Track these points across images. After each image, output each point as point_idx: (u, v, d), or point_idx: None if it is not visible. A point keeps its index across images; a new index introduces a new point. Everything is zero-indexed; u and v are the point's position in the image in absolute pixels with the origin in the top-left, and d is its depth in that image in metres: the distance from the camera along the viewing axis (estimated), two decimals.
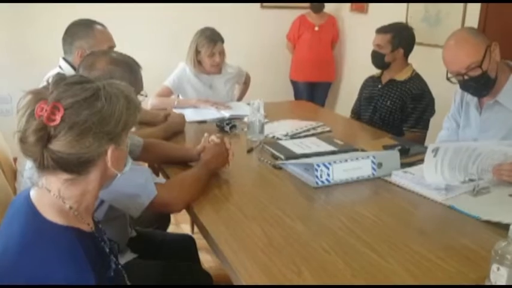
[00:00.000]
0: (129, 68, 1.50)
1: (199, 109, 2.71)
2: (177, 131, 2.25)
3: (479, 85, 1.85)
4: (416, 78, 2.66)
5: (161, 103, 2.75)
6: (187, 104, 2.76)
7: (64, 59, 2.09)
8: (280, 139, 2.19)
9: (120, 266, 1.07)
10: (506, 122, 1.87)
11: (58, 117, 0.87)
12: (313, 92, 4.66)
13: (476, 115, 1.99)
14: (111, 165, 0.97)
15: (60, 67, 2.07)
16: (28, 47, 3.91)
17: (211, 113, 2.63)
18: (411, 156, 1.88)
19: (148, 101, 2.76)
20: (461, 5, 3.36)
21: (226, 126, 2.30)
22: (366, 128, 2.57)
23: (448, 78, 1.93)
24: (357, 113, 2.94)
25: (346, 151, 1.97)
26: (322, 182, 1.63)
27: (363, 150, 1.99)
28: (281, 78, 4.81)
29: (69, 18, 2.17)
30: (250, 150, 2.03)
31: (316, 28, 4.52)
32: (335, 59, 4.78)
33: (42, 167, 0.90)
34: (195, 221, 1.46)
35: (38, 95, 0.89)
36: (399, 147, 1.95)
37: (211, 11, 4.31)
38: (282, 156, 1.91)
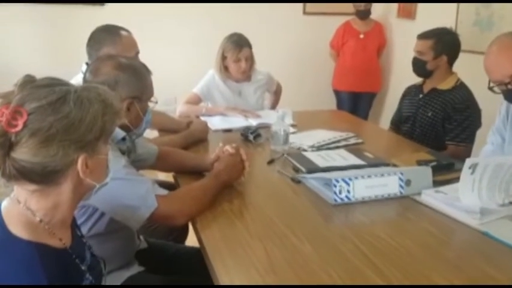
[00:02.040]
0: (136, 73, 1.43)
1: (227, 117, 2.63)
2: (198, 139, 2.18)
3: None
4: (461, 88, 2.45)
5: (189, 110, 2.69)
6: (216, 111, 2.69)
7: (87, 64, 2.07)
8: (306, 150, 2.06)
9: (97, 284, 0.99)
10: None
11: (20, 123, 0.80)
12: (356, 102, 4.46)
13: None
14: (85, 175, 0.89)
15: (82, 72, 2.05)
16: (66, 48, 3.95)
17: (238, 121, 2.54)
18: (446, 173, 1.69)
19: (177, 108, 2.72)
20: None
21: (250, 135, 2.20)
22: (403, 140, 2.38)
23: (490, 88, 1.74)
24: (397, 124, 2.76)
25: (374, 165, 1.81)
26: (342, 199, 1.49)
27: (394, 166, 1.82)
28: (323, 87, 4.65)
29: (106, 20, 2.17)
30: (271, 162, 1.92)
31: (362, 35, 4.34)
32: (381, 68, 4.57)
33: (6, 176, 0.84)
34: (196, 235, 1.37)
35: (5, 99, 0.83)
36: (434, 163, 1.77)
37: (251, 17, 4.26)
38: (303, 169, 1.78)
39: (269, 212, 1.47)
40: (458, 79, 2.49)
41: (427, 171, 1.59)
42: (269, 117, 2.58)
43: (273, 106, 3.11)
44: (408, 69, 4.35)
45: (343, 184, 1.48)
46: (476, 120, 2.41)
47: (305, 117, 2.70)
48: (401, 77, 4.44)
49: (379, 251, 1.23)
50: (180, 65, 4.13)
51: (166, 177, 2.24)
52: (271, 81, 3.00)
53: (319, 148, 2.09)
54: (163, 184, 1.82)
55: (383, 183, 1.53)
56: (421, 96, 2.57)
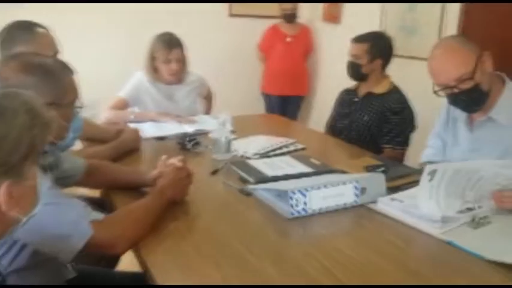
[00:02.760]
0: (48, 75, 1.19)
1: (160, 123, 2.43)
2: (130, 149, 1.97)
3: (471, 99, 1.65)
4: (395, 92, 2.47)
5: (116, 116, 2.45)
6: (146, 117, 2.48)
7: None
8: (250, 158, 1.93)
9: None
10: (501, 140, 1.68)
11: None
12: (285, 106, 4.45)
13: (466, 133, 1.79)
14: (9, 207, 0.69)
15: None
16: None
17: (172, 128, 2.35)
18: (397, 178, 1.65)
19: (101, 114, 2.47)
20: (438, 14, 3.21)
21: (188, 144, 2.03)
22: (343, 145, 2.34)
23: (435, 92, 1.73)
24: (332, 128, 2.73)
25: (323, 172, 1.74)
26: (298, 212, 1.38)
27: (342, 172, 1.76)
28: (251, 90, 4.58)
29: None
30: (214, 172, 1.77)
31: (289, 39, 4.32)
32: (308, 71, 4.58)
33: None
34: (140, 264, 1.18)
35: None
36: (383, 169, 1.73)
37: (176, 18, 4.06)
38: (251, 179, 1.66)
39: (221, 230, 1.33)
40: (392, 82, 2.51)
41: (381, 178, 1.54)
42: (206, 123, 2.43)
43: (207, 112, 2.94)
44: (335, 72, 4.41)
45: (300, 196, 1.37)
46: (411, 124, 2.44)
47: (240, 122, 2.56)
48: (328, 80, 4.50)
49: (344, 266, 1.14)
50: (104, 66, 3.83)
51: (89, 192, 2.00)
52: (203, 85, 2.84)
53: (264, 155, 1.97)
54: (89, 201, 1.60)
55: (339, 193, 1.45)
56: (356, 100, 2.56)
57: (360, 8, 3.98)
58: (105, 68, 3.81)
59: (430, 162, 1.94)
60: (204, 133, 2.28)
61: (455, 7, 3.07)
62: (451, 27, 3.11)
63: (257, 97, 4.57)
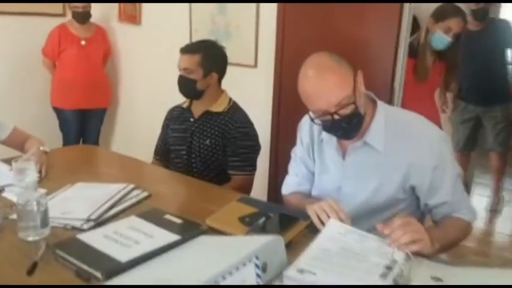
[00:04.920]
0: None
1: None
2: None
3: (351, 125, 1.44)
4: (236, 109, 2.17)
5: None
6: None
7: None
8: (81, 229, 1.35)
9: None
10: (377, 167, 1.51)
11: None
12: (85, 121, 3.76)
13: (336, 159, 1.59)
14: None
15: None
16: None
17: None
18: (285, 231, 1.33)
19: None
20: (254, 17, 3.03)
21: None
22: (194, 183, 1.90)
23: (312, 119, 1.47)
24: (163, 156, 2.29)
25: (192, 237, 1.30)
26: None
27: (212, 230, 1.36)
28: (41, 105, 3.73)
29: None
30: (32, 270, 1.14)
31: (83, 42, 3.62)
32: (109, 79, 3.95)
33: None
34: None
35: None
36: (264, 218, 1.39)
37: None
38: (98, 274, 1.11)
39: None
40: (230, 98, 2.19)
41: (280, 244, 1.18)
42: None
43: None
44: (138, 78, 3.91)
45: None
46: (257, 144, 2.18)
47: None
48: (131, 88, 3.98)
49: None
50: None
51: None
52: None
53: (98, 221, 1.40)
54: None
55: (241, 280, 1.04)
56: (192, 120, 2.16)
57: (162, 7, 3.54)
58: None
59: (297, 193, 1.72)
60: None
61: (273, 7, 2.90)
62: (268, 31, 2.95)
63: (49, 113, 3.73)
